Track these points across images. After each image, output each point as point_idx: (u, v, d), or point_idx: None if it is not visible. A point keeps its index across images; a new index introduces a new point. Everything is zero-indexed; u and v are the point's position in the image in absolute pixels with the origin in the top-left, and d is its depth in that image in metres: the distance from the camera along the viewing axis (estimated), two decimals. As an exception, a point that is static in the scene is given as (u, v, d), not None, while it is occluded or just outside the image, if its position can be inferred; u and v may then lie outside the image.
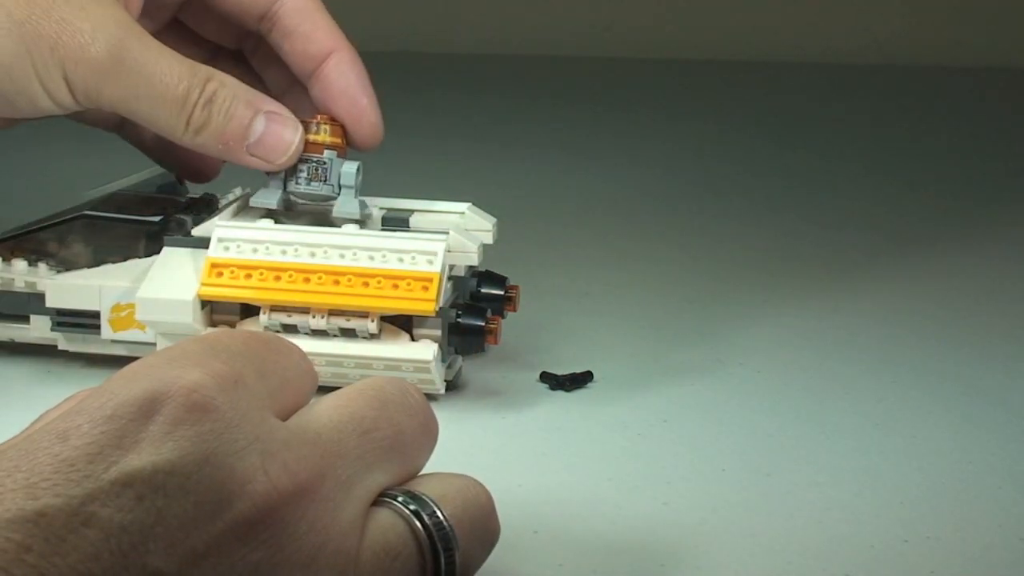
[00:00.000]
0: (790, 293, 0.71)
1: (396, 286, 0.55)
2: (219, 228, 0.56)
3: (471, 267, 0.59)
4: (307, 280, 0.55)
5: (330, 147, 0.57)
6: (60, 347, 0.59)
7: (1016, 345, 0.64)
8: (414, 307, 0.55)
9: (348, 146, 0.58)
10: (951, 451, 0.53)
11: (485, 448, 0.54)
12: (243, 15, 0.59)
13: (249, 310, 0.57)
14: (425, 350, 0.55)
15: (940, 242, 0.80)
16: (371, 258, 0.56)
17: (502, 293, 0.59)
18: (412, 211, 0.59)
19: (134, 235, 0.59)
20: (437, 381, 0.56)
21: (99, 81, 0.54)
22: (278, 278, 0.55)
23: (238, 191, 0.62)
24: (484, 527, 0.40)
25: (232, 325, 0.57)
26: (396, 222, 0.58)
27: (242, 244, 0.56)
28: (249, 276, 0.56)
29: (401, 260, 0.56)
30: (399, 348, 0.55)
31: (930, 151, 1.03)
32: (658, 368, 0.61)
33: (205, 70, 0.55)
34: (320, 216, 0.59)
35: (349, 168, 0.58)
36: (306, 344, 0.55)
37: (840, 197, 0.90)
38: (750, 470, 0.51)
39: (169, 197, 0.59)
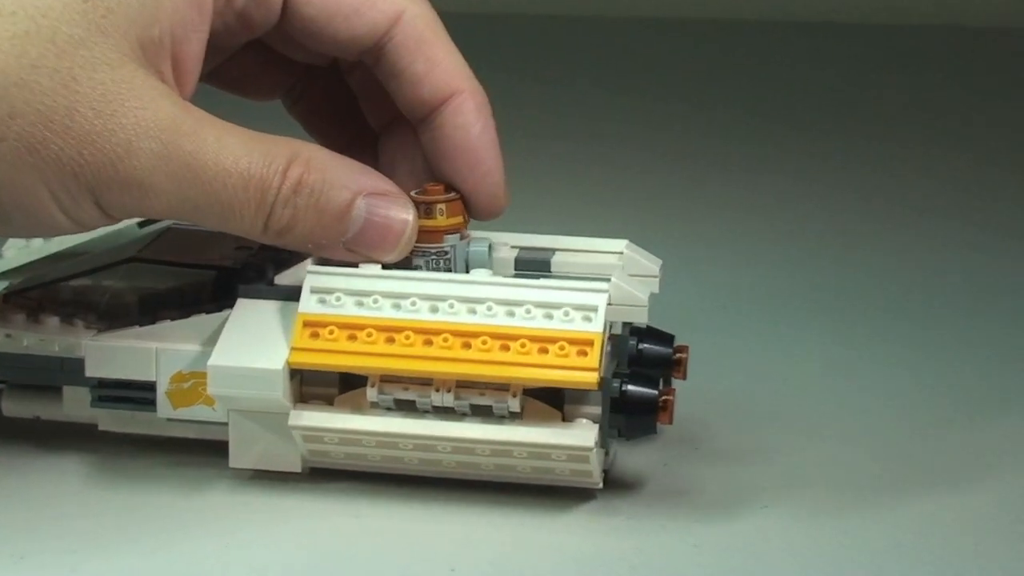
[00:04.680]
0: (791, 291, 0.70)
1: (545, 350, 0.43)
2: (311, 274, 0.45)
3: (626, 322, 0.46)
4: (429, 342, 0.44)
5: (450, 230, 0.46)
6: (101, 427, 0.47)
7: (1017, 345, 0.63)
8: (570, 378, 0.43)
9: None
10: (951, 451, 0.53)
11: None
12: (341, 51, 0.47)
13: (351, 381, 0.45)
14: (584, 434, 0.43)
15: (941, 241, 0.78)
16: (511, 313, 0.44)
17: (670, 354, 0.47)
18: (553, 250, 0.47)
19: (197, 283, 0.48)
20: (595, 473, 0.44)
21: (142, 198, 0.42)
22: (391, 340, 0.44)
23: None
24: None
25: (329, 401, 0.44)
26: (534, 264, 0.47)
27: (343, 296, 0.44)
28: (353, 337, 0.44)
29: (550, 316, 0.44)
30: (550, 432, 0.43)
31: (944, 138, 1.00)
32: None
33: (285, 151, 0.43)
34: None
35: (479, 248, 0.46)
36: (428, 426, 0.44)
37: (844, 195, 0.87)
38: (750, 470, 0.50)
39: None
